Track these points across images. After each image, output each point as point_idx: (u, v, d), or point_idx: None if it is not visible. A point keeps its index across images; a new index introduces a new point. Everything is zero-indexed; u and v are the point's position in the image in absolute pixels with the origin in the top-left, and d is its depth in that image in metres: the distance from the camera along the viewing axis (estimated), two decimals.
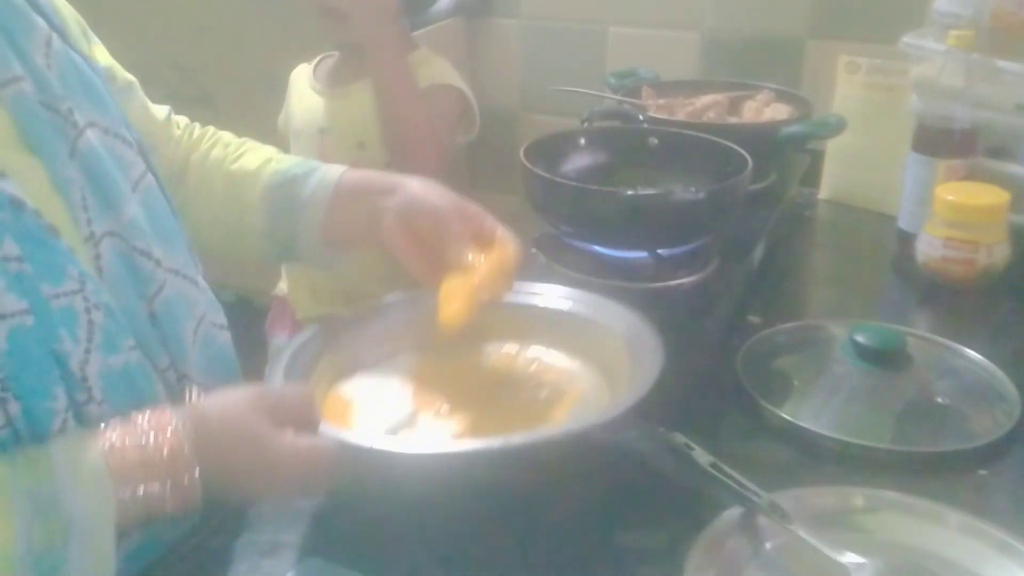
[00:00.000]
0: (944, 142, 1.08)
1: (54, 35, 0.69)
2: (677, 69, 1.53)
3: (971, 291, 1.03)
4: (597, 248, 1.00)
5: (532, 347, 0.83)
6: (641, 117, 1.22)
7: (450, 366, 0.81)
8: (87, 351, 0.62)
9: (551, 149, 1.09)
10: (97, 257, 0.66)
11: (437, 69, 1.33)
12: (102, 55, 0.82)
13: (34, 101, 0.65)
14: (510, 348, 0.83)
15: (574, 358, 0.81)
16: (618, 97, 1.32)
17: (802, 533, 0.63)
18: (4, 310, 0.57)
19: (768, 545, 0.64)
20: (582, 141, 1.14)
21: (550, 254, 1.01)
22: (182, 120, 0.93)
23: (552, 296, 0.84)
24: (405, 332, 0.83)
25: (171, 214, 0.76)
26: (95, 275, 0.65)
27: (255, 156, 0.90)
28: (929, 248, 1.04)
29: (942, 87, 1.06)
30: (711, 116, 1.27)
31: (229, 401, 0.64)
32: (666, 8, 1.61)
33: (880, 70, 1.24)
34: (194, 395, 0.64)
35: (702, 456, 0.69)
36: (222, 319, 0.81)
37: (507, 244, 0.79)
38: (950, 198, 1.01)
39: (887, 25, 1.25)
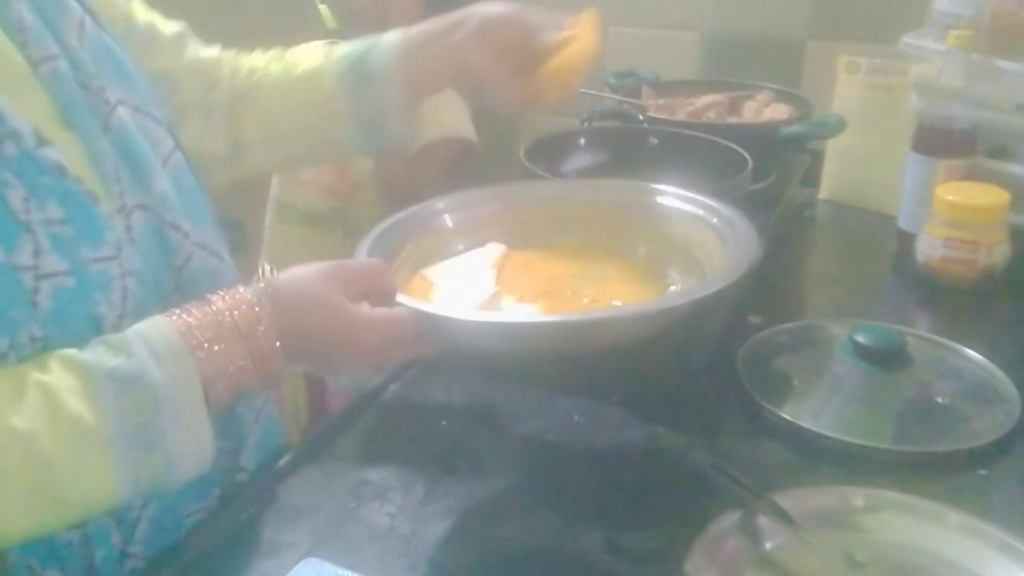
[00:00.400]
0: (944, 142, 1.08)
1: (87, 17, 0.71)
2: (677, 69, 1.53)
3: (971, 291, 1.03)
4: None
5: (633, 242, 0.82)
6: (641, 117, 1.22)
7: (535, 257, 0.82)
8: (120, 316, 0.64)
9: (551, 149, 1.09)
10: (129, 228, 0.68)
11: (448, 116, 1.28)
12: (141, 12, 0.84)
13: (69, 78, 0.67)
14: (621, 245, 0.83)
15: (673, 254, 0.80)
16: (618, 97, 1.32)
17: (802, 533, 0.63)
18: (47, 270, 0.60)
19: (768, 545, 0.64)
20: (582, 141, 1.14)
21: None
22: (228, 53, 0.94)
23: (663, 195, 0.84)
24: (495, 223, 0.84)
25: (199, 190, 0.78)
26: (128, 245, 0.67)
27: (313, 55, 0.91)
28: (929, 248, 1.04)
29: (942, 87, 1.06)
30: (711, 116, 1.27)
31: (303, 275, 0.66)
32: (666, 8, 1.61)
33: (880, 70, 1.24)
34: (269, 272, 0.65)
35: (702, 456, 0.69)
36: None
37: (587, 26, 0.83)
38: (950, 198, 1.01)
39: (887, 25, 1.25)
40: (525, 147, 1.04)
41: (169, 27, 0.87)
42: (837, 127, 1.17)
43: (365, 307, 0.65)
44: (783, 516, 0.64)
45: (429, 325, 0.66)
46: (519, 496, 0.73)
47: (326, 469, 0.77)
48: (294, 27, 1.38)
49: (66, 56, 0.68)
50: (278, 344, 0.62)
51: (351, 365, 0.68)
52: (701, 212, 0.80)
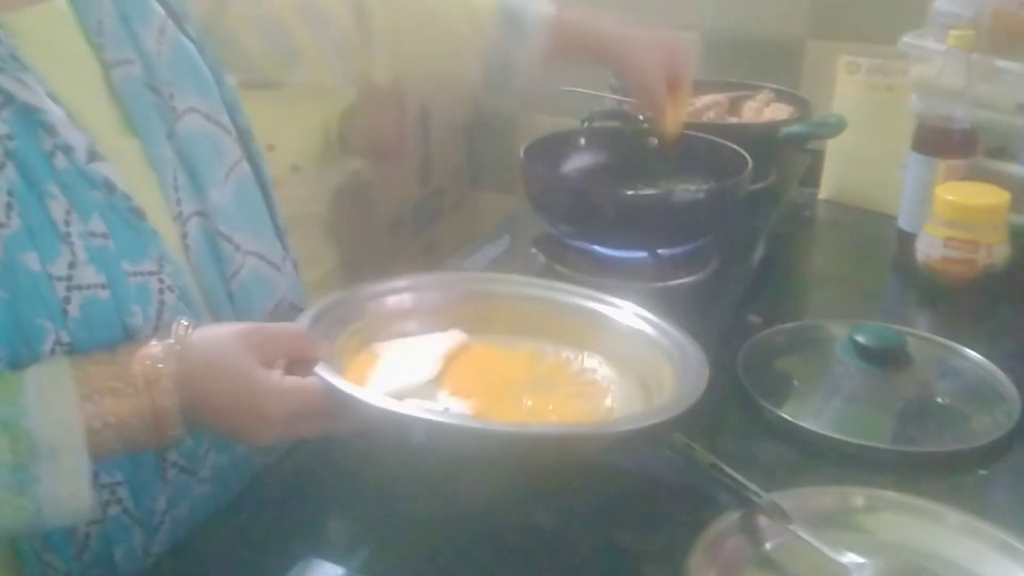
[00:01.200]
0: (944, 142, 1.07)
1: (169, 22, 0.72)
2: None
3: (971, 291, 1.02)
4: (597, 248, 1.00)
5: (589, 357, 0.79)
6: (641, 117, 1.22)
7: (493, 353, 0.79)
8: (155, 328, 0.64)
9: (551, 149, 1.10)
10: (184, 235, 0.69)
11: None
12: None
13: (140, 83, 0.69)
14: (568, 353, 0.80)
15: (624, 376, 0.77)
16: (618, 97, 1.31)
17: (802, 533, 0.63)
18: (82, 281, 0.61)
19: (768, 545, 0.64)
20: (582, 141, 1.14)
21: (550, 254, 1.01)
22: None
23: (627, 312, 0.81)
24: (460, 309, 0.82)
25: (263, 201, 0.78)
26: (181, 252, 0.69)
27: None
28: (929, 248, 1.04)
29: (942, 87, 1.06)
30: (711, 116, 1.27)
31: (216, 335, 0.64)
32: (666, 8, 1.60)
33: (880, 70, 1.23)
34: (183, 329, 0.64)
35: (702, 456, 0.69)
36: (303, 302, 0.82)
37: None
38: (950, 198, 1.01)
39: (887, 25, 1.25)
40: (525, 147, 1.04)
41: None
42: (837, 127, 1.17)
43: (276, 375, 0.62)
44: (783, 516, 0.64)
45: (340, 402, 0.62)
46: (519, 496, 0.73)
47: (326, 469, 0.77)
48: None
49: (141, 61, 0.69)
50: (176, 404, 0.60)
51: (255, 434, 0.63)
52: (664, 340, 0.76)
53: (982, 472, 0.75)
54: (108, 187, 0.63)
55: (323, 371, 0.64)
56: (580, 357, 0.79)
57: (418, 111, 1.65)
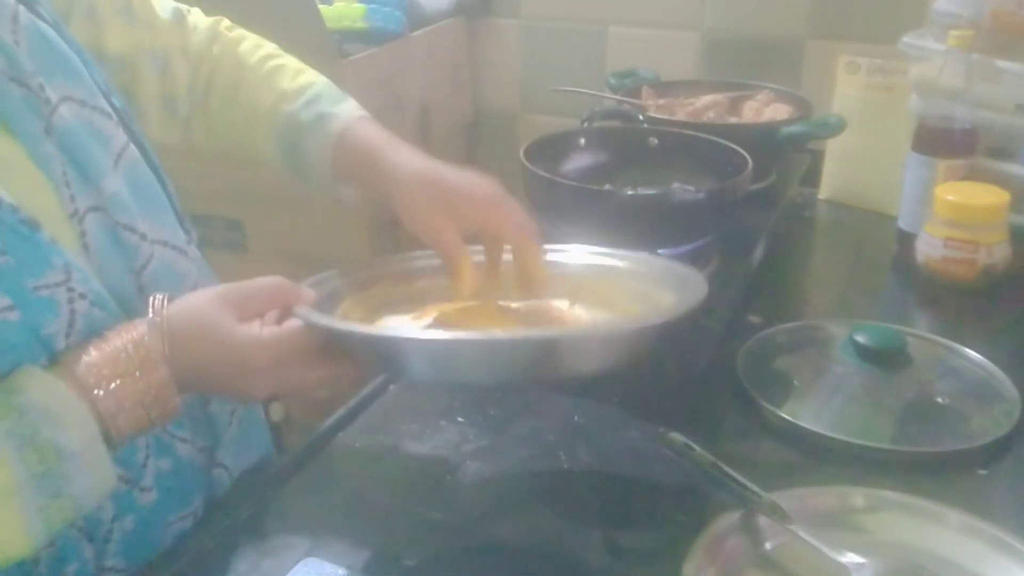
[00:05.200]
0: (944, 142, 1.08)
1: (21, 8, 0.67)
2: (677, 69, 1.53)
3: (971, 291, 1.02)
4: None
5: (577, 304, 0.77)
6: (641, 117, 1.22)
7: (489, 309, 0.76)
8: (67, 336, 0.62)
9: (551, 149, 1.09)
10: (83, 234, 0.66)
11: None
12: None
13: (4, 78, 0.64)
14: (559, 303, 0.77)
15: (616, 314, 0.76)
16: (618, 97, 1.31)
17: (802, 533, 0.63)
18: None
19: (768, 545, 0.64)
20: (582, 141, 1.14)
21: None
22: (202, 24, 0.88)
23: (588, 255, 0.81)
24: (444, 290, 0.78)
25: (158, 184, 0.74)
26: (82, 253, 0.65)
27: (270, 91, 0.85)
28: (929, 248, 1.04)
29: (942, 87, 1.06)
30: (711, 116, 1.27)
31: (194, 302, 0.64)
32: (666, 8, 1.60)
33: (880, 70, 1.23)
34: (159, 302, 0.63)
35: (702, 456, 0.69)
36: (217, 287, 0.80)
37: (526, 250, 0.75)
38: (950, 198, 1.01)
39: (887, 25, 1.25)
40: (525, 147, 1.04)
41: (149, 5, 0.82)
42: (837, 127, 1.17)
43: (254, 326, 0.62)
44: (783, 516, 0.64)
45: (324, 339, 0.62)
46: (519, 496, 0.73)
47: (326, 469, 0.77)
48: (294, 28, 1.38)
49: (0, 53, 0.64)
50: (168, 377, 0.60)
51: (246, 389, 0.64)
52: (647, 269, 0.76)
53: (982, 472, 0.75)
54: None
55: (301, 311, 0.64)
56: (572, 308, 0.77)
57: (418, 111, 1.65)
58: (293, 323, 0.63)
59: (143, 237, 0.69)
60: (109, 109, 0.71)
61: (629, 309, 0.75)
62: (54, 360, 0.61)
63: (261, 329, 0.63)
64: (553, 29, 1.71)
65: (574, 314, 0.75)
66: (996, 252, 1.01)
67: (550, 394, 0.85)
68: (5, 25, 0.65)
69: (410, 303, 0.76)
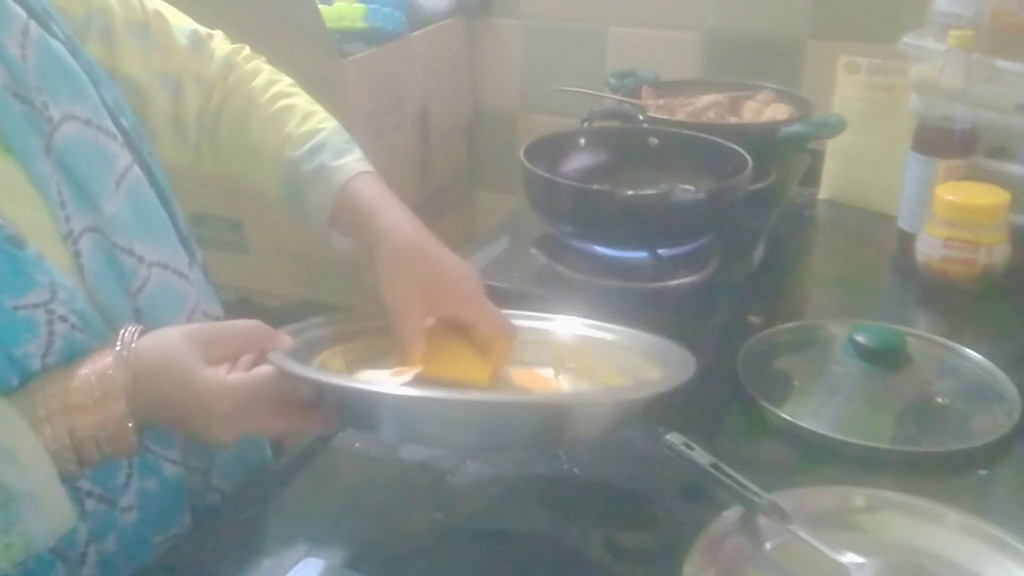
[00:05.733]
0: (944, 142, 1.07)
1: (32, 23, 0.66)
2: (677, 69, 1.53)
3: (971, 291, 1.02)
4: (597, 248, 1.00)
5: (562, 374, 0.77)
6: (641, 117, 1.22)
7: (464, 368, 0.74)
8: (44, 356, 0.61)
9: (551, 149, 1.09)
10: (77, 255, 0.65)
11: None
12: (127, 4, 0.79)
13: (6, 93, 0.63)
14: (544, 371, 0.77)
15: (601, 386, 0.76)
16: (618, 97, 1.31)
17: (802, 533, 0.63)
18: None
19: (768, 545, 0.64)
20: (582, 141, 1.14)
21: (550, 254, 1.01)
22: (220, 51, 0.87)
23: (577, 326, 0.80)
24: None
25: (160, 207, 0.74)
26: (74, 274, 0.64)
27: (276, 133, 0.84)
28: (929, 248, 1.04)
29: (942, 87, 1.06)
30: (711, 116, 1.27)
31: (165, 337, 0.62)
32: (666, 8, 1.61)
33: (880, 70, 1.23)
34: (130, 335, 0.62)
35: (702, 456, 0.69)
36: (218, 311, 0.79)
37: (499, 347, 0.74)
38: (950, 198, 1.01)
39: (887, 25, 1.25)
40: (525, 147, 1.04)
41: (135, 16, 0.80)
42: (837, 127, 1.17)
43: (220, 371, 0.61)
44: (783, 516, 0.64)
45: (294, 388, 0.61)
46: (519, 496, 0.73)
47: (326, 469, 0.77)
48: (294, 28, 1.38)
49: (4, 68, 0.63)
50: (127, 413, 0.59)
51: (208, 432, 0.62)
52: (634, 343, 0.75)
53: (982, 472, 0.75)
54: None
55: (274, 356, 0.62)
56: (558, 379, 0.76)
57: (418, 111, 1.65)
58: (261, 370, 0.62)
59: (140, 259, 0.69)
60: (115, 130, 0.70)
61: (613, 381, 0.74)
62: (24, 383, 0.60)
63: (227, 374, 0.61)
64: (553, 29, 1.71)
65: (558, 384, 0.75)
66: (996, 252, 1.01)
67: None
68: (14, 38, 0.64)
69: (391, 358, 0.73)
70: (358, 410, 0.62)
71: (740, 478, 0.66)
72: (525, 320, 0.80)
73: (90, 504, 0.65)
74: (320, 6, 1.43)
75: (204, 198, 1.52)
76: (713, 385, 0.86)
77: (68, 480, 0.60)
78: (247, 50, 0.90)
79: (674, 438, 0.72)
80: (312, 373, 0.62)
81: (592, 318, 0.80)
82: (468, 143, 1.87)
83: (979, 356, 0.87)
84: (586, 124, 1.20)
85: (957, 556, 0.63)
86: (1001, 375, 0.84)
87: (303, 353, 0.68)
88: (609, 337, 0.78)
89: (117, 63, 0.78)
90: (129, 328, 0.63)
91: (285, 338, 0.66)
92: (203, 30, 0.87)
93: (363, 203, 0.79)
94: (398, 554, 0.66)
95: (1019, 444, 0.77)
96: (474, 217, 1.92)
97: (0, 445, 0.56)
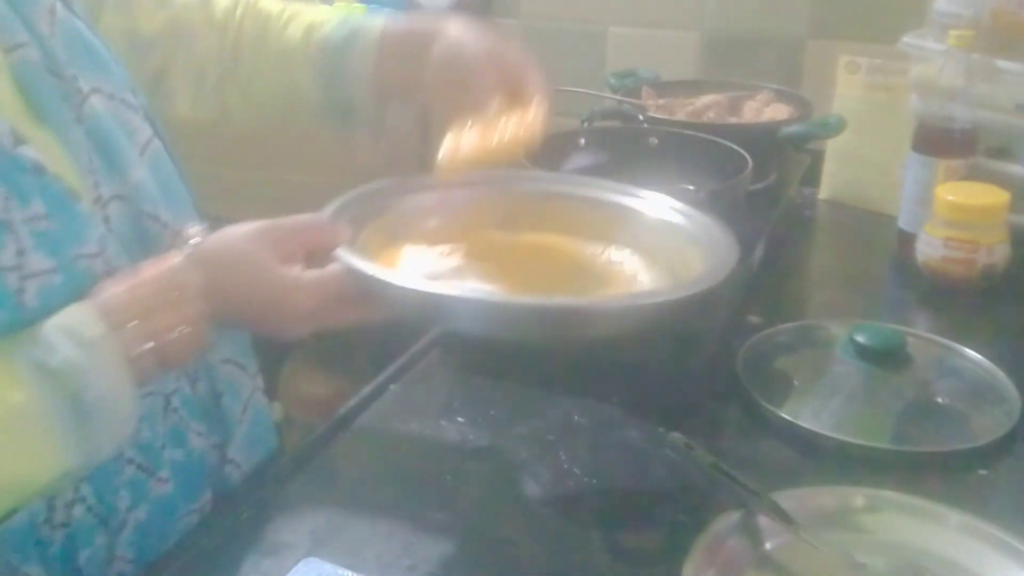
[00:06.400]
0: (944, 142, 1.07)
1: (58, 3, 0.69)
2: (677, 69, 1.53)
3: (971, 291, 1.02)
4: None
5: (617, 249, 0.78)
6: (641, 117, 1.22)
7: (518, 245, 0.78)
8: None
9: (551, 149, 1.09)
10: (107, 220, 0.67)
11: None
12: None
13: (40, 67, 0.66)
14: (595, 247, 0.78)
15: (654, 265, 0.76)
16: (618, 97, 1.31)
17: (802, 533, 0.63)
18: (33, 268, 0.59)
19: (768, 545, 0.64)
20: (582, 141, 1.14)
21: None
22: (222, 2, 0.88)
23: (656, 204, 0.79)
24: (485, 207, 0.80)
25: (179, 177, 0.76)
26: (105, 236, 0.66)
27: (298, 26, 0.85)
28: (929, 248, 1.04)
29: (942, 87, 1.06)
30: (711, 116, 1.27)
31: (233, 237, 0.65)
32: (666, 8, 1.61)
33: (880, 70, 1.23)
34: (199, 232, 0.65)
35: (702, 456, 0.69)
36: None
37: (536, 108, 0.76)
38: (950, 198, 1.01)
39: (887, 25, 1.25)
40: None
41: None
42: (837, 127, 1.17)
43: (296, 269, 0.64)
44: (783, 516, 0.64)
45: (363, 286, 0.63)
46: (519, 496, 0.73)
47: (326, 469, 0.77)
48: None
49: (36, 43, 0.66)
50: (205, 310, 0.61)
51: (284, 328, 0.66)
52: (694, 228, 0.76)
53: (982, 472, 0.75)
54: (38, 170, 0.61)
55: (343, 255, 0.64)
56: (607, 250, 0.78)
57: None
58: (335, 267, 0.64)
59: (165, 226, 0.71)
60: (136, 103, 0.73)
61: (659, 264, 0.75)
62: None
63: (302, 273, 0.63)
64: (553, 29, 1.71)
65: (630, 269, 0.75)
66: (996, 252, 1.01)
67: (550, 394, 0.85)
68: (43, 17, 0.67)
69: (429, 233, 0.77)
70: (435, 312, 0.65)
71: (740, 478, 0.66)
72: (612, 193, 0.81)
73: (130, 471, 0.67)
74: (320, 6, 1.43)
75: (204, 198, 1.52)
76: (713, 385, 0.86)
77: (152, 382, 0.62)
78: None
79: (674, 438, 0.72)
80: (387, 276, 0.63)
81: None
82: None
83: (979, 356, 0.87)
84: (586, 124, 1.20)
85: (957, 556, 0.63)
86: (1001, 375, 0.84)
87: (352, 234, 0.69)
88: (671, 217, 0.78)
89: (137, 27, 0.81)
90: (191, 228, 0.65)
91: (344, 230, 0.68)
92: None
93: (408, 28, 0.82)
94: (398, 554, 0.66)
95: (1019, 444, 0.77)
96: None
97: (80, 346, 0.57)
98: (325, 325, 0.66)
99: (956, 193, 1.02)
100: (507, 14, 1.73)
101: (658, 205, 0.79)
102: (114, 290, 0.61)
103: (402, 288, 0.62)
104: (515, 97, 0.76)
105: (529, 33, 1.73)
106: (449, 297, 0.62)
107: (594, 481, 0.74)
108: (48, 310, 0.59)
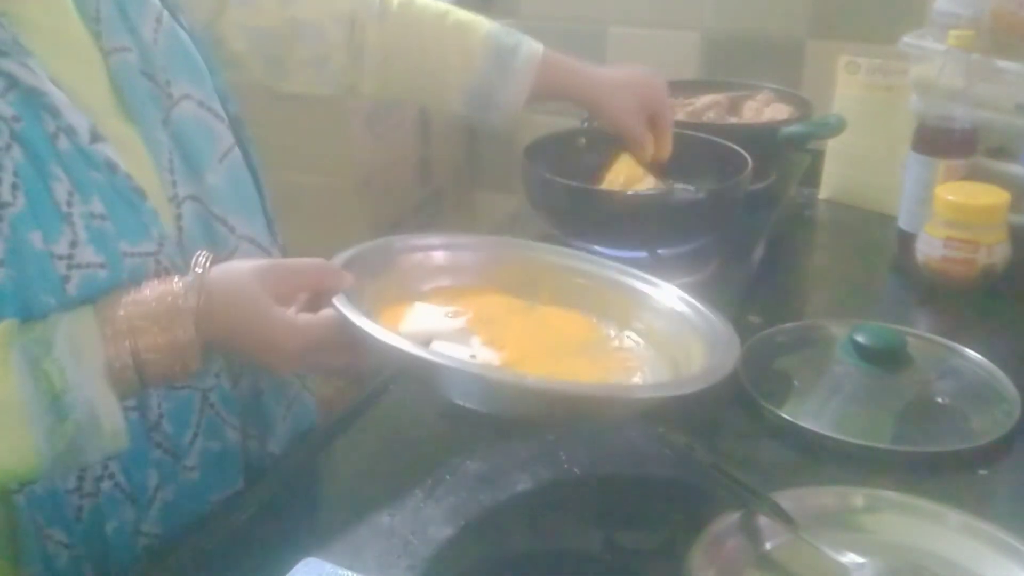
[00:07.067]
0: (944, 142, 1.07)
1: (165, 12, 0.75)
2: (677, 69, 1.53)
3: (971, 291, 1.02)
4: (597, 248, 1.00)
5: (628, 334, 0.78)
6: None
7: (527, 315, 0.78)
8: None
9: (551, 149, 1.10)
10: (179, 217, 0.71)
11: None
12: None
13: (136, 70, 0.71)
14: (608, 328, 0.79)
15: (659, 355, 0.76)
16: None
17: (802, 533, 0.63)
18: (81, 260, 0.63)
19: (768, 545, 0.64)
20: (582, 141, 1.14)
21: None
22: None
23: (667, 293, 0.80)
24: (504, 273, 0.81)
25: (253, 187, 0.79)
26: (175, 234, 0.70)
27: (463, 13, 0.99)
28: (929, 248, 1.04)
29: (942, 87, 1.06)
30: (711, 116, 1.27)
31: (236, 272, 0.66)
32: (666, 8, 1.61)
33: (880, 70, 1.23)
34: (204, 260, 0.66)
35: (702, 456, 0.69)
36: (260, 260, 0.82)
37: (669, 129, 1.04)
38: (950, 198, 1.01)
39: (887, 25, 1.25)
40: (525, 147, 1.05)
41: None
42: (837, 127, 1.17)
43: (291, 310, 0.65)
44: (783, 516, 0.64)
45: (352, 335, 0.63)
46: (519, 496, 0.73)
47: (326, 469, 0.77)
48: None
49: (137, 48, 0.71)
50: (195, 338, 0.63)
51: (271, 364, 0.68)
52: (700, 322, 0.76)
53: (982, 472, 0.75)
54: (110, 167, 0.65)
55: (339, 302, 0.65)
56: (620, 335, 0.78)
57: (418, 111, 1.65)
58: (328, 313, 0.65)
59: (232, 230, 0.74)
60: (223, 113, 0.77)
61: (664, 354, 0.75)
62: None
63: (296, 314, 0.65)
64: (553, 29, 1.70)
65: (636, 356, 0.76)
66: (996, 252, 1.01)
67: None
68: (149, 24, 0.73)
69: (443, 291, 0.78)
70: (416, 374, 0.66)
71: (740, 478, 0.66)
72: (612, 272, 0.82)
73: (158, 454, 0.70)
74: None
75: None
76: (713, 385, 0.86)
77: (131, 397, 0.64)
78: None
79: (674, 438, 0.72)
80: (379, 333, 0.63)
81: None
82: (468, 143, 1.87)
83: (979, 356, 0.87)
84: (586, 124, 1.20)
85: (957, 556, 0.63)
86: (1001, 375, 0.84)
87: (357, 286, 0.69)
88: (679, 308, 0.78)
89: (257, 21, 0.90)
90: (201, 255, 0.66)
91: (347, 277, 0.69)
92: None
93: (564, 64, 1.02)
94: (398, 554, 0.66)
95: (1019, 444, 0.77)
96: (474, 217, 1.92)
97: (73, 346, 0.60)
98: (312, 367, 0.69)
99: (956, 193, 1.02)
100: (507, 14, 1.73)
101: (669, 294, 0.79)
102: (115, 301, 0.63)
103: (385, 344, 0.62)
104: (653, 121, 1.03)
105: (529, 33, 1.72)
106: (429, 362, 0.62)
107: (594, 481, 0.74)
108: (86, 301, 0.63)
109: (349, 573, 0.64)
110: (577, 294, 0.81)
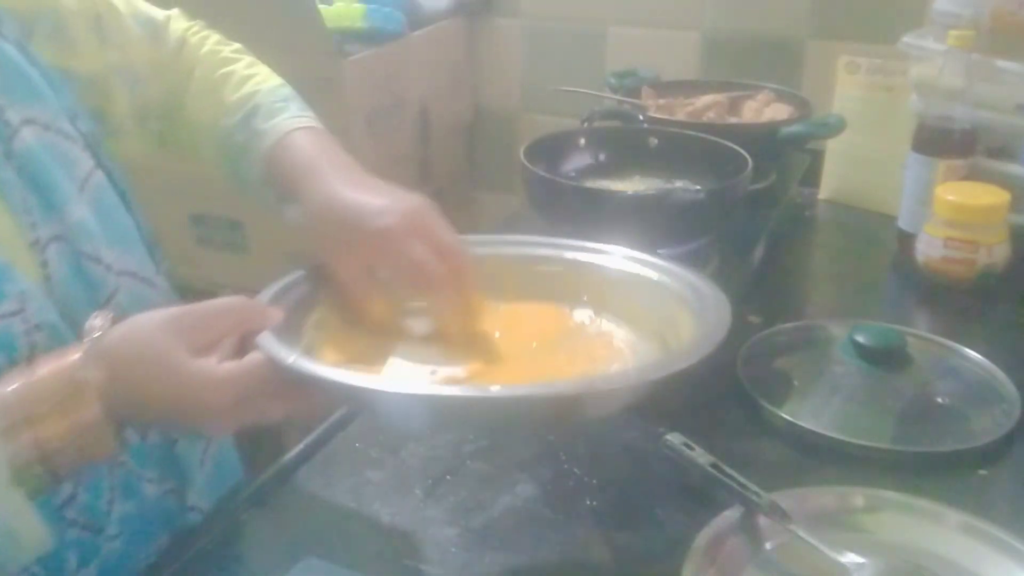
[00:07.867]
0: (944, 142, 1.07)
1: None
2: (677, 69, 1.53)
3: (971, 291, 1.02)
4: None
5: (605, 316, 0.73)
6: (641, 117, 1.22)
7: (492, 316, 0.72)
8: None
9: (551, 149, 1.09)
10: (44, 264, 0.62)
11: None
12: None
13: None
14: (581, 315, 0.74)
15: (639, 332, 0.71)
16: (618, 97, 1.32)
17: (802, 533, 0.63)
18: None
19: (768, 545, 0.64)
20: (582, 141, 1.14)
21: None
22: (175, 32, 0.83)
23: (640, 265, 0.75)
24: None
25: (125, 211, 0.70)
26: (41, 284, 0.61)
27: (211, 103, 0.80)
28: (929, 248, 1.04)
29: (942, 87, 1.06)
30: (711, 116, 1.27)
31: (139, 327, 0.56)
32: (666, 8, 1.60)
33: (880, 70, 1.24)
34: (104, 321, 0.57)
35: (702, 456, 0.69)
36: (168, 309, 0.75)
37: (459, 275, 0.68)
38: (950, 198, 1.01)
39: (887, 25, 1.25)
40: (525, 147, 1.04)
41: (93, 8, 0.76)
42: (837, 127, 1.17)
43: (211, 361, 0.55)
44: (783, 516, 0.64)
45: (286, 377, 0.55)
46: (519, 496, 0.73)
47: (326, 469, 0.77)
48: (294, 28, 1.38)
49: None
50: (100, 416, 0.53)
51: (199, 426, 0.58)
52: (676, 285, 0.71)
53: (982, 472, 0.75)
54: None
55: (264, 342, 0.57)
56: (597, 319, 0.73)
57: (418, 111, 1.65)
58: (255, 356, 0.56)
59: (108, 268, 0.66)
60: (75, 133, 0.68)
61: (648, 330, 0.71)
62: None
63: (218, 364, 0.55)
64: (553, 29, 1.71)
65: (619, 340, 0.70)
66: (996, 252, 1.01)
67: None
68: None
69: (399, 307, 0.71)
70: (355, 401, 0.61)
71: (740, 478, 0.66)
72: (571, 251, 0.77)
73: (73, 532, 0.63)
74: (320, 6, 1.43)
75: (204, 198, 1.52)
76: (713, 385, 0.86)
77: (44, 494, 0.55)
78: (197, 26, 0.85)
79: (674, 438, 0.72)
80: (307, 367, 0.56)
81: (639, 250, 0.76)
82: (468, 143, 1.86)
83: (979, 356, 0.87)
84: (586, 124, 1.20)
85: (957, 556, 0.63)
86: (1001, 375, 0.84)
87: (296, 314, 0.63)
88: (653, 275, 0.73)
89: (72, 63, 0.74)
90: (96, 319, 0.57)
91: (274, 313, 0.61)
92: (160, 14, 0.82)
93: (292, 164, 0.73)
94: (398, 554, 0.66)
95: (1019, 444, 0.77)
96: (474, 217, 1.92)
97: None
98: (247, 421, 0.57)
99: (956, 193, 1.02)
100: (507, 14, 1.73)
101: (641, 265, 0.74)
102: (4, 388, 0.53)
103: (320, 378, 0.55)
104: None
105: (529, 33, 1.73)
106: (379, 392, 0.55)
107: (594, 481, 0.74)
108: None
109: (349, 573, 0.64)
110: (542, 283, 0.75)
